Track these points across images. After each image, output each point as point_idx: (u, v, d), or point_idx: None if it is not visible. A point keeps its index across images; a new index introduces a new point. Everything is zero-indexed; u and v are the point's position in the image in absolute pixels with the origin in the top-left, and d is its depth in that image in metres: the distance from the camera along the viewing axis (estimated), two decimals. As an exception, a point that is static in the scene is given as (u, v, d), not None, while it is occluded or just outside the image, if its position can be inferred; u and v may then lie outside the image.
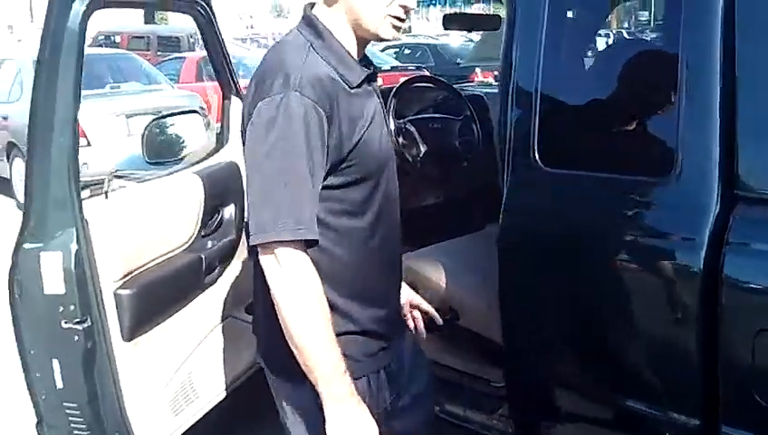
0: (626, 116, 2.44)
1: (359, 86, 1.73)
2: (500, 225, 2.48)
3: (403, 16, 1.72)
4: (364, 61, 1.82)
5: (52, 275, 2.07)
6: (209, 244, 2.66)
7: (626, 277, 2.27)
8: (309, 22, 1.74)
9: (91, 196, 2.41)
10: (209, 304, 2.67)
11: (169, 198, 2.57)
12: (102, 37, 18.56)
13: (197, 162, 2.86)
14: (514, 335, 2.56)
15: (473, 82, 10.28)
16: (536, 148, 2.38)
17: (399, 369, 1.94)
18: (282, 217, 1.56)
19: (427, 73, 10.77)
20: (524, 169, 2.43)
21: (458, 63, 13.15)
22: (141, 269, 2.33)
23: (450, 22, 3.50)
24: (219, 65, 2.91)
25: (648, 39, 3.27)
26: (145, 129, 2.79)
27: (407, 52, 18.36)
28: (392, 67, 13.21)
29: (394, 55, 17.47)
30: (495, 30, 3.52)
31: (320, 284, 1.62)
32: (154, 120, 2.85)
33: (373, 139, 1.74)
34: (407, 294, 2.21)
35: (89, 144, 8.22)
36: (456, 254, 3.23)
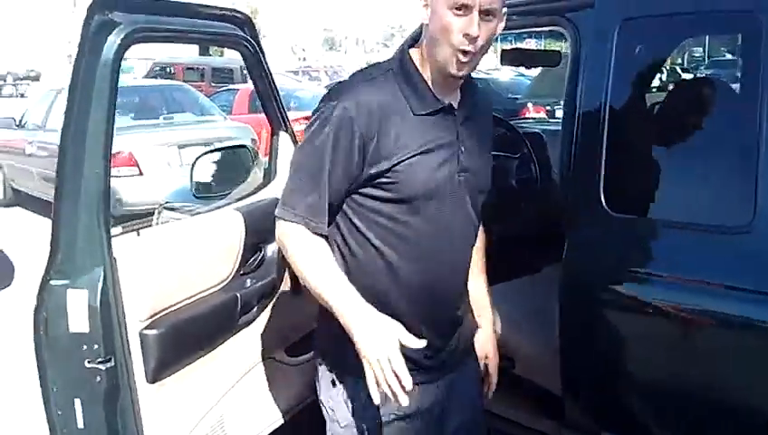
0: (700, 160, 2.30)
1: (431, 114, 1.81)
2: (563, 271, 2.36)
3: (467, 47, 1.72)
4: (469, 97, 1.89)
5: (77, 313, 2.02)
6: (248, 283, 2.58)
7: (699, 331, 2.15)
8: (399, 51, 1.89)
9: (123, 232, 2.33)
10: (245, 344, 2.58)
11: (206, 236, 2.50)
12: (158, 68, 18.93)
13: (243, 198, 2.78)
14: (575, 387, 2.42)
15: (524, 116, 10.18)
16: (604, 191, 2.26)
17: (433, 404, 1.94)
18: (283, 200, 1.82)
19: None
20: (590, 213, 2.31)
21: (516, 98, 12.93)
22: (171, 309, 2.26)
23: (508, 57, 3.40)
24: (267, 100, 2.83)
25: (721, 80, 3.10)
26: (193, 163, 2.74)
27: (458, 86, 18.30)
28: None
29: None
30: (556, 66, 3.41)
31: (311, 250, 1.79)
32: (202, 154, 2.80)
33: (423, 165, 1.79)
34: (484, 343, 2.17)
35: (141, 174, 8.29)
36: (513, 298, 3.09)
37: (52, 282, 2.04)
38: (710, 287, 2.10)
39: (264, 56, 2.73)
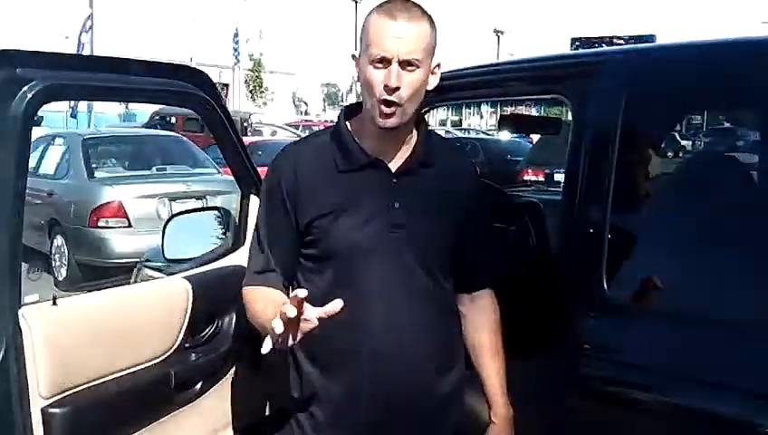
0: (716, 244, 2.08)
1: (356, 170, 1.84)
2: (559, 361, 2.15)
3: (388, 97, 1.74)
4: (422, 153, 1.88)
5: None
6: (192, 357, 2.43)
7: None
8: (339, 114, 1.96)
9: (39, 300, 2.18)
10: (186, 424, 2.41)
11: (140, 307, 2.35)
12: (158, 117, 18.93)
13: (206, 263, 2.65)
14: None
15: (523, 179, 10.04)
16: (606, 275, 2.06)
17: None
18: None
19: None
20: (591, 298, 2.13)
21: (517, 161, 12.87)
22: (85, 386, 2.12)
23: (506, 123, 3.25)
24: (233, 161, 2.69)
25: (734, 158, 2.85)
26: (164, 224, 2.62)
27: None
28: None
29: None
30: (556, 134, 3.25)
31: (256, 303, 1.83)
32: (174, 215, 2.68)
33: (344, 221, 1.81)
34: None
35: (130, 225, 8.14)
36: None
37: None
38: (725, 389, 1.88)
39: (226, 115, 2.60)
